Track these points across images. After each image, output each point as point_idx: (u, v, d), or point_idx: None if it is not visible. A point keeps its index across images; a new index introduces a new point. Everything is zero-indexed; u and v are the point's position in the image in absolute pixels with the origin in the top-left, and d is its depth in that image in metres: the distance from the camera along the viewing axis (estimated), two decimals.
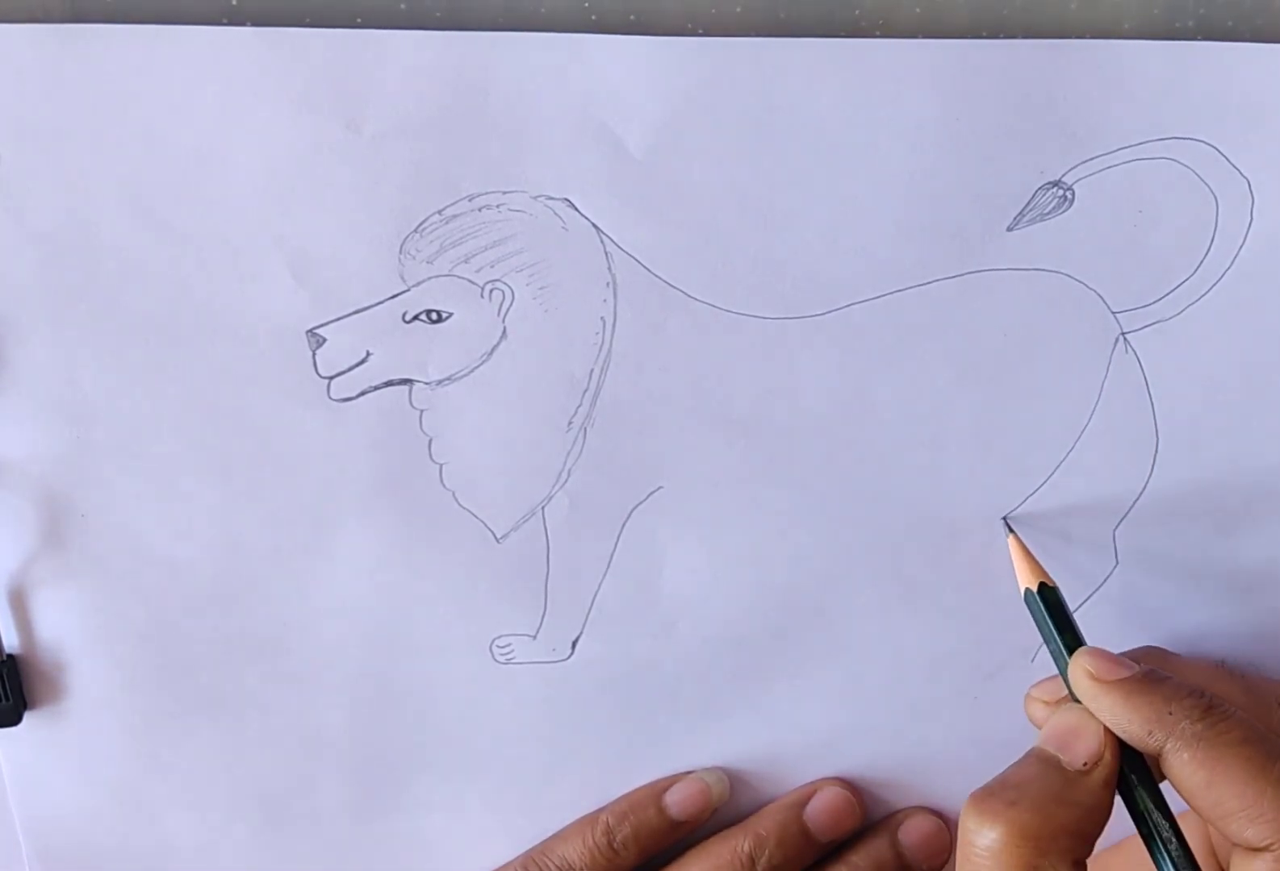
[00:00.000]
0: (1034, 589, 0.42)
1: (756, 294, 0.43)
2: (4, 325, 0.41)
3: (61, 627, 0.44)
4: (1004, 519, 0.45)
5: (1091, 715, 0.38)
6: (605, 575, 0.45)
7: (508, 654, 0.45)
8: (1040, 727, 0.40)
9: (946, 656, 0.47)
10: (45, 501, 0.43)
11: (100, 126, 0.40)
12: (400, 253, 0.42)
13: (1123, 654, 0.41)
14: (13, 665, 0.44)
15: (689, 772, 0.47)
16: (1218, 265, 0.44)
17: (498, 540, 0.44)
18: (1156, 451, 0.46)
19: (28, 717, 0.44)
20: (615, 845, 0.46)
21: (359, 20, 0.41)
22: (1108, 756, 0.37)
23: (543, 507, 0.44)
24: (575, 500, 0.44)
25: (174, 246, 0.41)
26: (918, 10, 0.43)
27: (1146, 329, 0.45)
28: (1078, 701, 0.39)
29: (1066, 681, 0.40)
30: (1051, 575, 0.43)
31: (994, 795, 0.36)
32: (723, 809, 0.47)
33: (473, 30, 0.40)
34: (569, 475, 0.44)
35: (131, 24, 0.39)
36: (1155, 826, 0.37)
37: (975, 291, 0.44)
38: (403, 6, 0.41)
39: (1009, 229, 0.44)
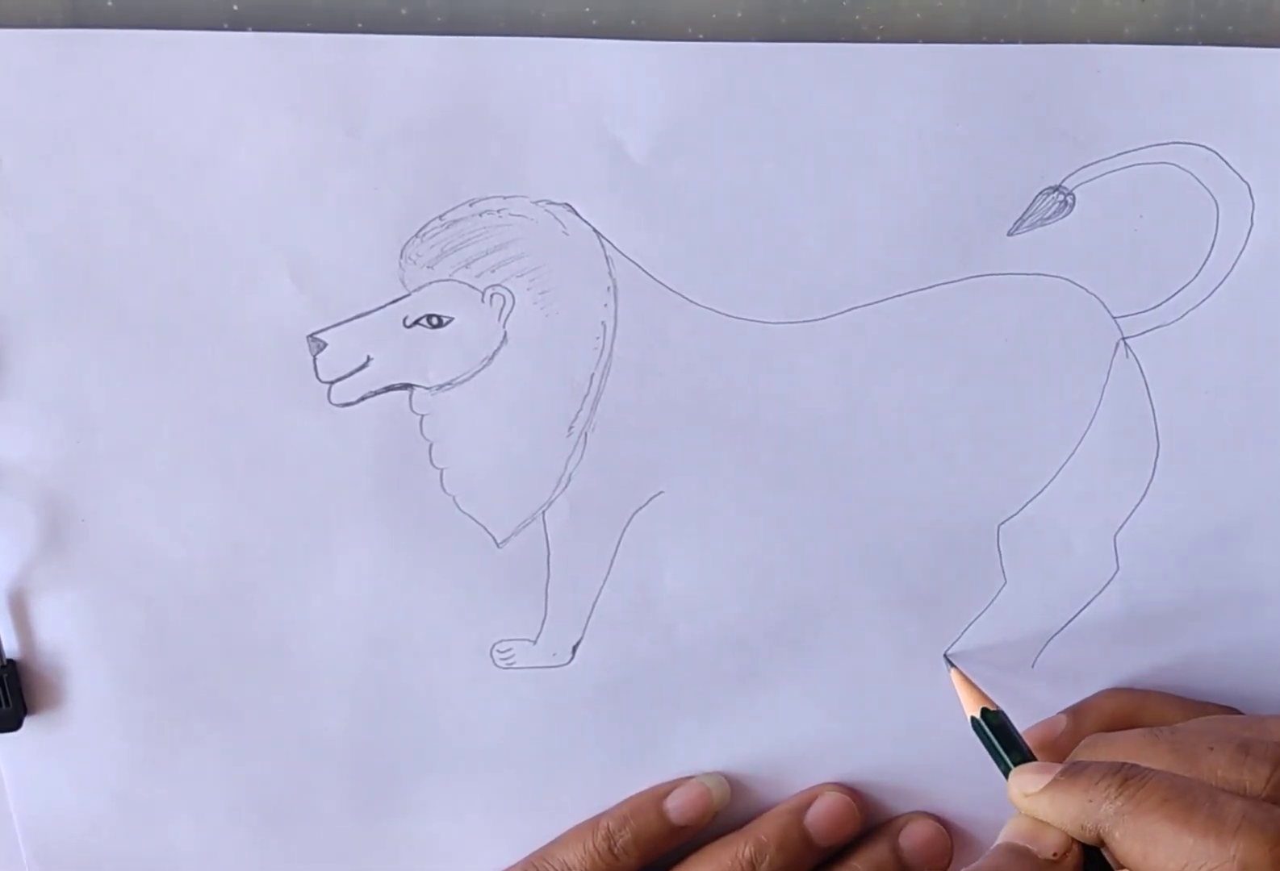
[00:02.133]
0: (978, 716, 0.44)
1: (757, 298, 0.43)
2: (5, 329, 0.41)
3: (62, 632, 0.44)
4: (945, 656, 0.47)
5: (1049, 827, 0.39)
6: (606, 580, 0.45)
7: (508, 658, 0.45)
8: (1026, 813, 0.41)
9: (944, 659, 0.47)
10: (46, 505, 0.43)
11: (101, 131, 0.40)
12: (401, 257, 0.42)
13: (1055, 720, 0.46)
14: (13, 670, 0.44)
15: (689, 777, 0.47)
16: (1218, 270, 0.44)
17: (498, 545, 0.44)
18: (1157, 456, 0.46)
19: (28, 722, 0.44)
20: (616, 850, 0.46)
21: (360, 25, 0.41)
22: (1075, 848, 0.38)
23: (543, 512, 0.44)
24: (576, 505, 0.44)
25: (175, 251, 0.41)
26: (918, 15, 0.43)
27: (1147, 334, 0.45)
28: None
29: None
30: (1051, 579, 0.43)
31: None
32: (723, 813, 0.47)
33: (473, 35, 0.41)
34: (570, 480, 0.44)
35: (132, 29, 0.39)
36: None
37: (976, 296, 0.44)
38: (404, 11, 0.41)
39: (1010, 234, 0.44)
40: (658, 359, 0.43)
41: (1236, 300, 0.44)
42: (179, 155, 0.40)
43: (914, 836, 0.48)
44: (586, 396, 0.43)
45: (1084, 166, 0.43)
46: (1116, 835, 0.36)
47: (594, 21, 0.42)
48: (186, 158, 0.40)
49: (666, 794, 0.47)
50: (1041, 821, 0.39)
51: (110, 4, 0.40)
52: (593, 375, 0.43)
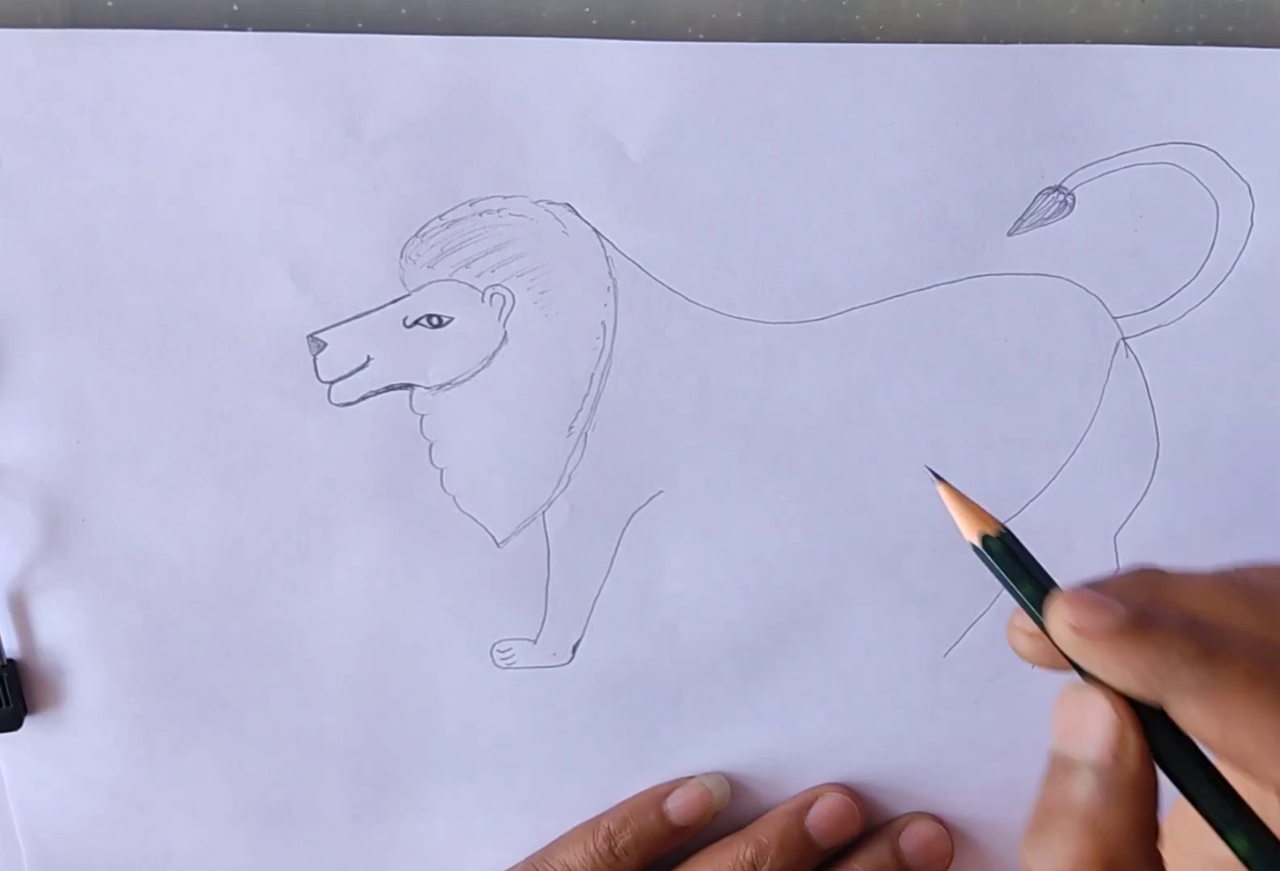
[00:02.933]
0: (978, 543, 0.35)
1: (757, 298, 0.43)
2: (5, 329, 0.41)
3: (62, 632, 0.44)
4: (929, 468, 0.39)
5: (1095, 695, 0.33)
6: (606, 579, 0.45)
7: (508, 658, 0.45)
8: (1027, 659, 0.36)
9: (947, 660, 0.47)
10: (46, 506, 0.43)
11: (101, 131, 0.40)
12: (401, 257, 0.42)
13: (1103, 582, 0.36)
14: (13, 670, 0.44)
15: (690, 778, 0.47)
16: (1218, 270, 0.44)
17: (498, 545, 0.44)
18: (1157, 456, 0.46)
19: (28, 722, 0.44)
20: (616, 850, 0.46)
21: (360, 25, 0.41)
22: (1130, 734, 0.33)
23: (543, 512, 0.44)
24: (576, 504, 0.44)
25: (175, 251, 0.41)
26: (918, 15, 0.43)
27: (1147, 333, 0.45)
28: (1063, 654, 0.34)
29: (1046, 633, 0.34)
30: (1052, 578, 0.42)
31: (1041, 833, 0.33)
32: (724, 814, 0.47)
33: (473, 35, 0.41)
34: (570, 480, 0.44)
35: (132, 29, 0.39)
36: (1182, 777, 0.33)
37: (976, 296, 0.44)
38: (403, 11, 0.41)
39: (1010, 234, 0.44)
40: (658, 359, 0.43)
41: (1236, 300, 0.44)
42: (179, 155, 0.40)
43: (914, 837, 0.48)
44: (586, 396, 0.43)
45: (1084, 166, 0.43)
46: (1192, 709, 0.32)
47: (594, 21, 0.42)
48: (186, 157, 0.40)
49: (667, 794, 0.47)
50: (1086, 708, 0.33)
51: (110, 4, 0.40)
52: (593, 375, 0.43)
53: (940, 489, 0.37)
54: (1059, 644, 0.33)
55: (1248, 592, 0.36)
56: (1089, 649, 0.33)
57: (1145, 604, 0.34)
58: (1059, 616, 0.33)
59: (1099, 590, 0.34)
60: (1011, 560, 0.35)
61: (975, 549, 0.36)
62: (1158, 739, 0.33)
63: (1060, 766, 0.34)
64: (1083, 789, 0.33)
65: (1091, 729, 0.33)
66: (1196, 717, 0.32)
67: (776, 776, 0.48)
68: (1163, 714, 0.33)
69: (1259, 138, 0.44)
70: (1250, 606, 0.35)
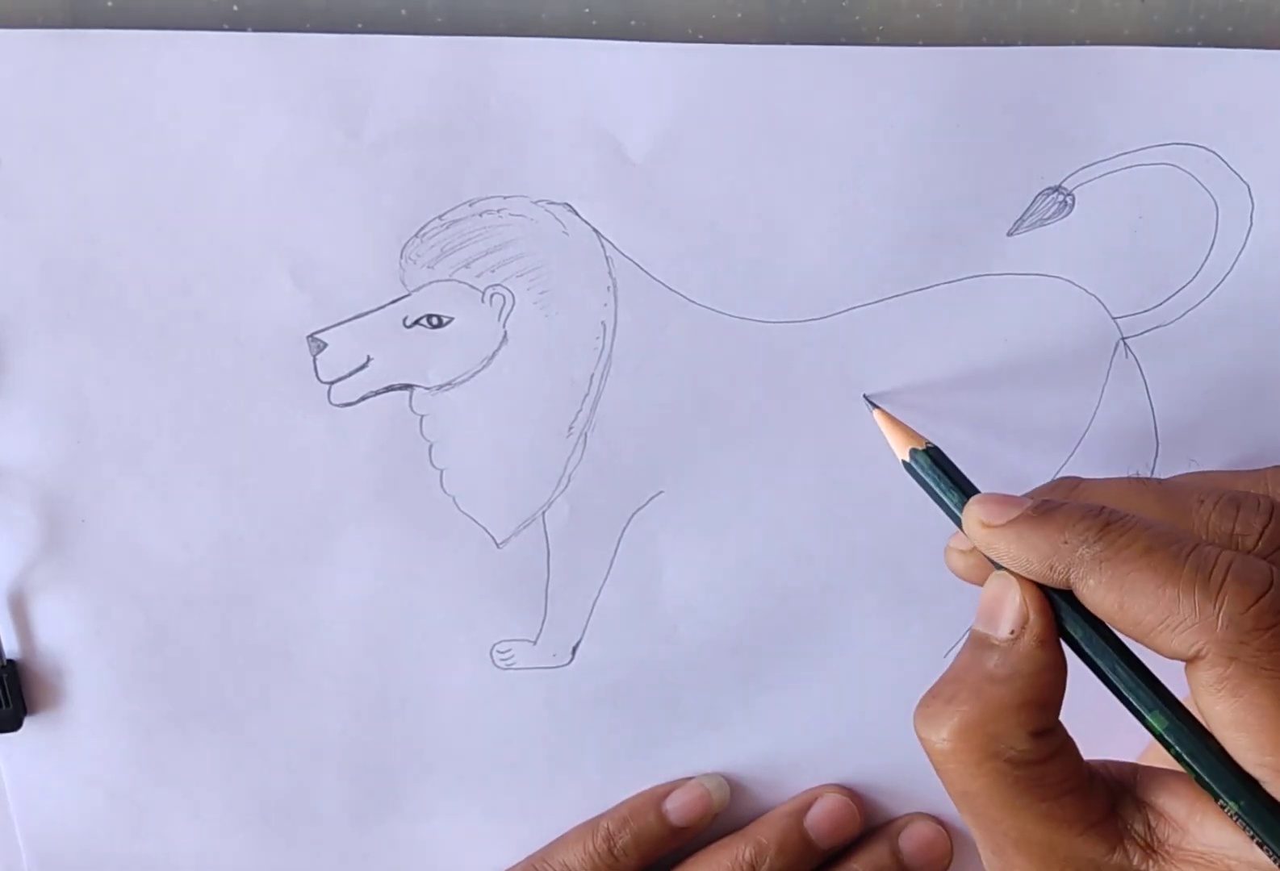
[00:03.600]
0: (906, 458, 0.39)
1: (757, 298, 0.43)
2: (5, 329, 0.41)
3: (61, 633, 0.44)
4: (865, 396, 0.42)
5: (1009, 579, 0.35)
6: (605, 580, 0.45)
7: (508, 659, 0.45)
8: (960, 575, 0.38)
9: (947, 661, 0.47)
10: (45, 506, 0.43)
11: (101, 131, 0.40)
12: (401, 257, 0.42)
13: (1034, 490, 0.39)
14: (13, 670, 0.44)
15: (689, 778, 0.47)
16: (1218, 270, 0.44)
17: (498, 545, 0.44)
18: (1156, 456, 0.46)
19: (28, 723, 0.44)
20: (615, 851, 0.46)
21: (360, 25, 0.41)
22: (1033, 615, 0.34)
23: (543, 513, 0.44)
24: (576, 505, 0.44)
25: (175, 251, 0.41)
26: (918, 17, 0.43)
27: (1147, 334, 0.45)
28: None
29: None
30: None
31: (934, 697, 0.35)
32: (723, 815, 0.47)
33: (473, 35, 0.41)
34: (569, 480, 0.44)
35: (132, 29, 0.39)
36: (1095, 659, 0.34)
37: (975, 296, 0.44)
38: (403, 12, 0.41)
39: (1009, 234, 0.44)
40: (657, 359, 0.43)
41: (1236, 300, 0.44)
42: (179, 155, 0.40)
43: (914, 837, 0.48)
44: (586, 396, 0.43)
45: (1083, 167, 0.43)
46: (1091, 582, 0.33)
47: (594, 22, 0.42)
48: (186, 158, 0.40)
49: (666, 795, 0.47)
50: (999, 591, 0.35)
51: (110, 4, 0.40)
52: (592, 375, 0.43)
53: (875, 414, 0.41)
54: (974, 540, 0.35)
55: (1158, 490, 0.37)
56: (997, 539, 0.35)
57: (1051, 497, 0.35)
58: (971, 516, 0.35)
59: (1006, 495, 0.36)
60: (939, 472, 0.38)
61: (905, 464, 0.39)
62: (1071, 624, 0.34)
63: (970, 643, 0.35)
64: (978, 659, 0.35)
65: (1001, 609, 0.35)
66: (1096, 590, 0.33)
67: (776, 777, 0.48)
68: (1076, 601, 0.34)
69: (1259, 138, 0.44)
70: (1159, 500, 0.36)
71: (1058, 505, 0.34)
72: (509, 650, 0.45)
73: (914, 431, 0.40)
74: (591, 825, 0.46)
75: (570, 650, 0.46)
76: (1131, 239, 0.44)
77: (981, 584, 0.36)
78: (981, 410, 0.45)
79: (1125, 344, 0.45)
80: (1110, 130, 0.43)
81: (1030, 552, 0.34)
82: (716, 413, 0.44)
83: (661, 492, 0.44)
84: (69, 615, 0.44)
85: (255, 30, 0.40)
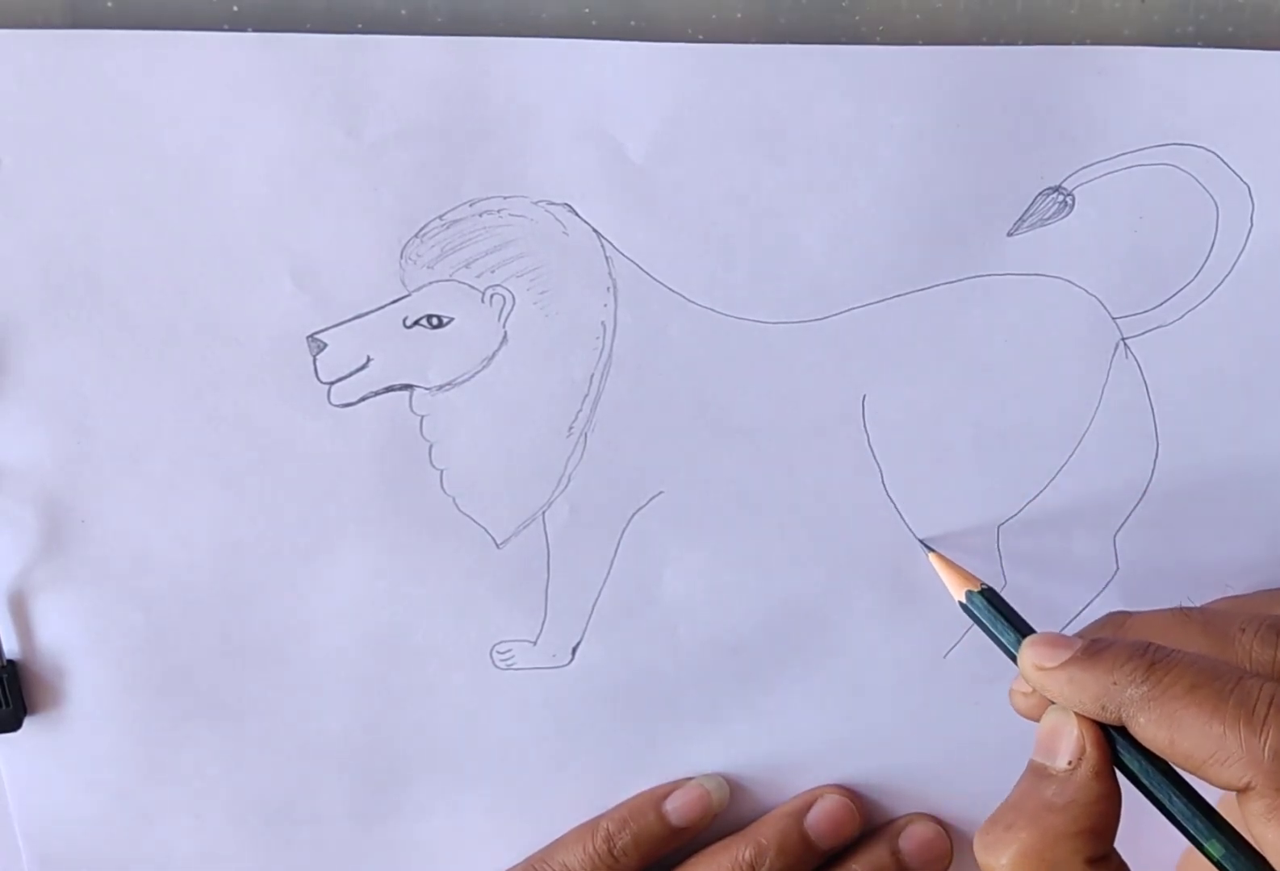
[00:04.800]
0: (963, 599, 0.42)
1: (757, 298, 0.43)
2: (5, 329, 0.41)
3: (62, 633, 0.44)
4: (920, 540, 0.45)
5: (1066, 713, 0.37)
6: (606, 581, 0.45)
7: (508, 660, 0.45)
8: (1024, 715, 0.39)
9: (947, 661, 0.47)
10: (45, 506, 0.43)
11: (101, 132, 0.40)
12: (401, 258, 0.42)
13: (1085, 628, 0.42)
14: (13, 670, 0.44)
15: (689, 779, 0.47)
16: (1218, 271, 0.44)
17: (498, 546, 0.44)
18: (1157, 456, 0.46)
19: (28, 723, 0.44)
20: (615, 852, 0.46)
21: (360, 26, 0.41)
22: (1089, 748, 0.36)
23: (543, 513, 0.44)
24: (576, 505, 0.44)
25: (175, 252, 0.41)
26: (918, 16, 0.43)
27: (1147, 334, 0.45)
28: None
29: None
30: (1051, 579, 0.43)
31: (995, 823, 0.36)
32: (723, 816, 0.47)
33: (473, 35, 0.41)
34: (569, 480, 0.44)
35: (132, 29, 0.39)
36: (1151, 789, 0.36)
37: (976, 296, 0.44)
38: (403, 12, 0.41)
39: (1009, 234, 0.44)
40: (658, 359, 0.43)
41: (1236, 301, 0.44)
42: (179, 155, 0.40)
43: (914, 838, 0.48)
44: (586, 396, 0.43)
45: (1084, 167, 0.43)
46: (1141, 720, 0.35)
47: (594, 22, 0.42)
48: (186, 158, 0.40)
49: (666, 795, 0.47)
50: (1057, 724, 0.37)
51: (110, 4, 0.40)
52: (592, 375, 0.43)
53: (931, 558, 0.44)
54: (1029, 682, 0.38)
55: (1201, 621, 0.39)
56: (1050, 681, 0.37)
57: (1099, 637, 0.38)
58: (1025, 658, 0.38)
59: (1059, 634, 0.38)
60: (994, 613, 0.41)
61: (961, 605, 0.42)
62: (1126, 756, 0.36)
63: (1030, 773, 0.37)
64: (1037, 789, 0.36)
65: (1059, 741, 0.37)
66: (1147, 727, 0.35)
67: (776, 777, 0.48)
68: (1129, 734, 0.36)
69: (1259, 139, 0.44)
70: (1203, 631, 0.39)
71: (1106, 645, 0.37)
72: (509, 650, 0.45)
73: (969, 573, 0.43)
74: (591, 825, 0.46)
75: (570, 650, 0.46)
76: (1132, 239, 0.44)
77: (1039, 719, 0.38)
78: (982, 410, 0.45)
79: (1125, 344, 0.45)
80: (1110, 130, 0.43)
81: (1082, 693, 0.36)
82: (716, 413, 0.44)
83: (662, 493, 0.44)
84: (69, 615, 0.44)
85: (255, 30, 0.40)
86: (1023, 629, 0.41)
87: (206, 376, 0.42)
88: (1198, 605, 0.41)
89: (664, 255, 0.42)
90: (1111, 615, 0.42)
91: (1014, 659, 0.40)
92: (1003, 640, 0.41)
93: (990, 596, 0.42)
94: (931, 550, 0.44)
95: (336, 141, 0.41)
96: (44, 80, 0.39)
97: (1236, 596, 0.46)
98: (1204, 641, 0.38)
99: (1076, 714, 0.37)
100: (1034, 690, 0.38)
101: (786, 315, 0.43)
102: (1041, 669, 0.37)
